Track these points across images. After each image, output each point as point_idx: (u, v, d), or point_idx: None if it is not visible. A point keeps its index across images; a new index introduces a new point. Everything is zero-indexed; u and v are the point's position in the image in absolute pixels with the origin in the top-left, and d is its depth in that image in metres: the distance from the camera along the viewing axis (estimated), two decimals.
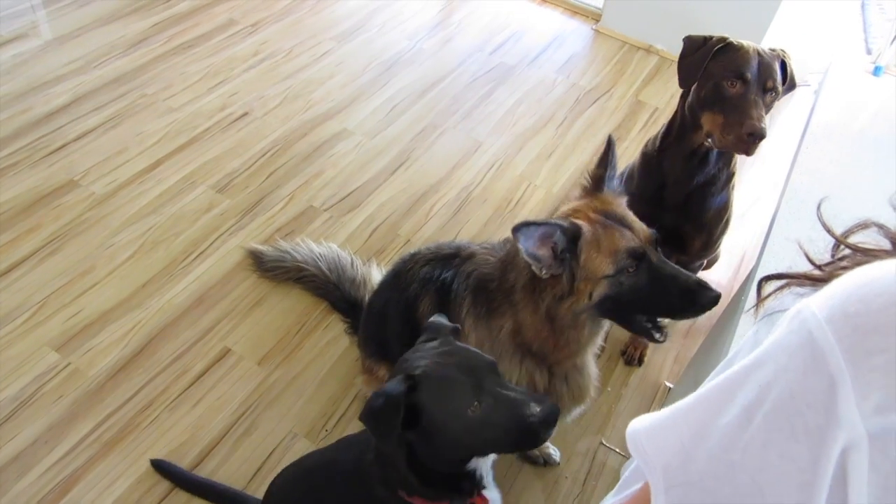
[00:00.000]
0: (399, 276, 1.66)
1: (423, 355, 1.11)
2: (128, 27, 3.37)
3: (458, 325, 1.21)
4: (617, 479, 1.91)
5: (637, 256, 1.21)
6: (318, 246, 2.24)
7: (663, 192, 1.87)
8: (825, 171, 1.38)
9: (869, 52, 4.14)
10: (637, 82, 3.48)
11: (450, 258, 1.54)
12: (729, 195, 1.88)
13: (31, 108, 2.85)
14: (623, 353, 2.25)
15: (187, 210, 2.52)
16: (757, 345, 0.71)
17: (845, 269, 0.59)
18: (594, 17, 3.92)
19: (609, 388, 2.14)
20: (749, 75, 1.60)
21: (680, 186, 1.83)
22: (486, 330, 1.42)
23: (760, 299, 0.73)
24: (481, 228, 2.60)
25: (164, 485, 1.79)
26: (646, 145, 1.93)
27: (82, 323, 2.12)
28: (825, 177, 1.37)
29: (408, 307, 1.57)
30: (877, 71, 3.72)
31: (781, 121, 3.35)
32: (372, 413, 1.04)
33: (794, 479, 0.49)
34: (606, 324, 1.41)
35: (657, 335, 1.31)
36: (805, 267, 1.10)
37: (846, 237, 0.68)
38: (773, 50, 1.69)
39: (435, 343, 1.15)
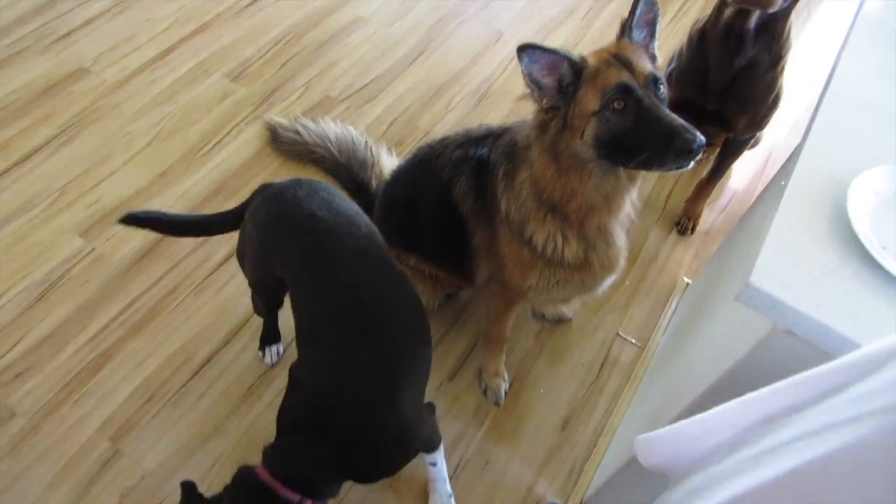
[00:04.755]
0: (427, 163, 1.64)
1: None
2: None
3: None
4: (631, 370, 1.96)
5: (624, 90, 1.20)
6: (336, 127, 2.21)
7: (706, 77, 1.87)
8: (876, 56, 1.32)
9: None
10: None
11: (483, 138, 1.54)
12: (777, 78, 1.87)
13: None
14: (677, 223, 2.34)
15: (202, 99, 2.47)
16: None
17: None
18: None
19: (628, 283, 2.16)
20: None
21: (722, 70, 1.84)
22: (512, 190, 1.43)
23: None
24: (502, 122, 2.53)
25: (194, 363, 1.86)
26: (694, 24, 1.92)
27: (104, 210, 2.12)
28: (874, 61, 1.31)
29: (442, 192, 1.57)
30: None
31: (824, 7, 3.20)
32: None
33: None
34: (627, 187, 1.37)
35: (687, 158, 1.21)
36: (848, 151, 1.07)
37: None
38: None
39: None
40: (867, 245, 0.95)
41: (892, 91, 1.25)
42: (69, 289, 1.95)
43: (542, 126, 1.30)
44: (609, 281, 1.56)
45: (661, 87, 1.25)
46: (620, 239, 1.50)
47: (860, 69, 1.29)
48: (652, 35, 1.31)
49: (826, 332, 0.90)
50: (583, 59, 1.23)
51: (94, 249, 2.03)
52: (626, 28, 1.28)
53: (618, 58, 1.23)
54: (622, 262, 1.53)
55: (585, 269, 1.49)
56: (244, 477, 1.18)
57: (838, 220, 1.00)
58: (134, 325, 1.90)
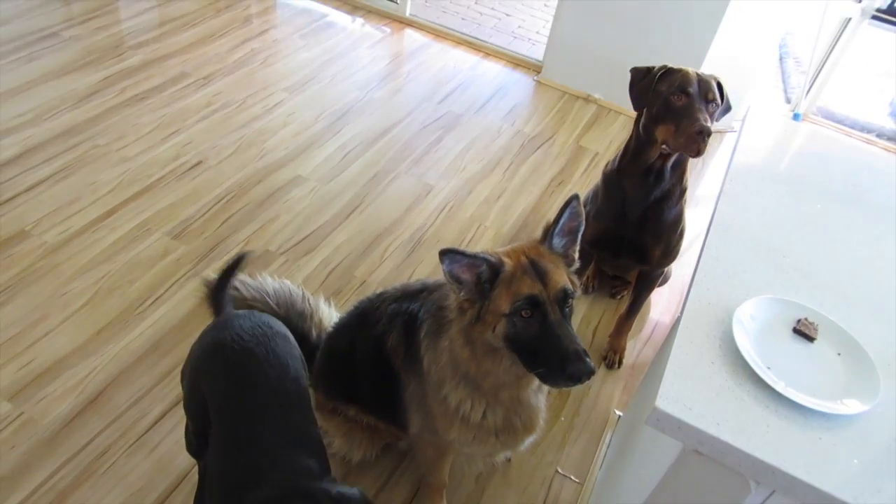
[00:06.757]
0: (365, 316, 1.71)
1: None
2: (78, 81, 3.40)
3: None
4: None
5: (532, 304, 1.28)
6: (273, 281, 2.28)
7: (624, 208, 2.06)
8: (747, 201, 1.52)
9: (788, 101, 4.48)
10: (578, 129, 3.67)
11: (417, 293, 1.61)
12: (682, 207, 2.09)
13: None
14: (604, 358, 2.45)
15: (142, 257, 2.53)
16: None
17: None
18: (535, 68, 4.14)
19: (562, 419, 2.22)
20: (691, 89, 1.87)
21: (639, 202, 2.05)
22: (434, 351, 1.49)
23: None
24: (435, 268, 2.68)
25: None
26: (606, 166, 2.16)
27: (35, 371, 2.09)
28: (748, 207, 1.50)
29: (376, 345, 1.63)
30: (796, 117, 4.03)
31: (713, 164, 3.58)
32: None
33: None
34: (534, 382, 1.47)
35: (576, 384, 1.31)
36: (730, 284, 1.22)
37: None
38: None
39: None
40: (753, 366, 1.07)
41: (762, 230, 1.43)
42: None
43: (461, 310, 1.37)
44: (530, 440, 1.61)
45: (571, 301, 1.33)
46: (538, 401, 1.57)
47: (736, 211, 1.48)
48: (574, 241, 1.39)
49: (727, 449, 0.99)
50: (500, 262, 1.30)
51: (22, 413, 1.98)
52: (549, 234, 1.36)
53: (534, 266, 1.30)
54: (541, 422, 1.60)
55: (506, 432, 1.54)
56: None
57: (727, 345, 1.12)
58: (61, 493, 1.82)
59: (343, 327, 1.86)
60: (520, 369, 1.38)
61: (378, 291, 1.76)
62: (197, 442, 1.64)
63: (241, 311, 1.49)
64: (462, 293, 1.32)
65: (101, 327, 2.26)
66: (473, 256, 1.28)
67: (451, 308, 1.41)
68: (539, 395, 1.56)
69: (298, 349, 1.48)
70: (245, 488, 1.22)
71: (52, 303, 2.31)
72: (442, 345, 1.47)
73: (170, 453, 1.94)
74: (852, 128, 4.24)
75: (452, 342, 1.42)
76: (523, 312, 1.28)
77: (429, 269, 2.67)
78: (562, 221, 1.36)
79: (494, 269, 1.30)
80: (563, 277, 1.32)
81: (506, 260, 1.31)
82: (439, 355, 1.48)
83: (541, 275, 1.30)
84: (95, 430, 1.97)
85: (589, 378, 1.26)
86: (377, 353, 1.64)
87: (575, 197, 1.36)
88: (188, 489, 1.86)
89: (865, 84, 5.00)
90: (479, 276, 1.30)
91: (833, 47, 3.87)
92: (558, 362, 1.26)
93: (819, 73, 3.97)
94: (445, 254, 1.26)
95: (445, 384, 1.48)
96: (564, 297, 1.30)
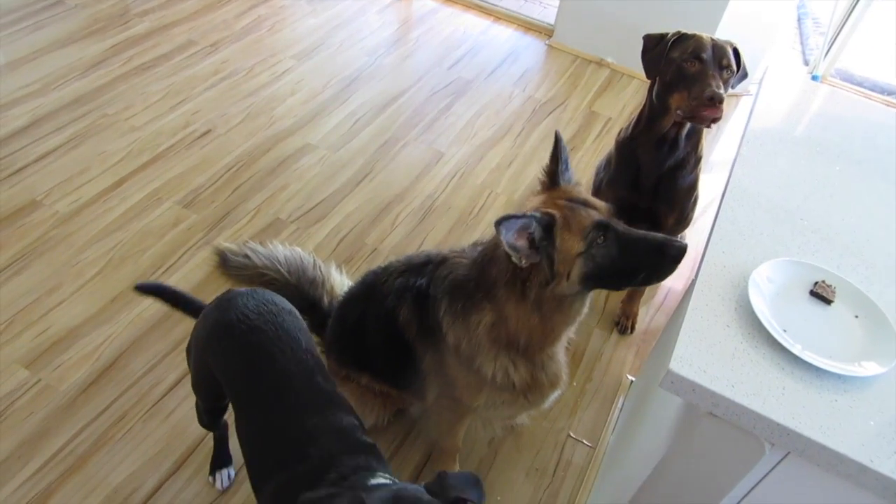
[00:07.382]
0: (373, 289, 1.71)
1: None
2: (85, 50, 3.38)
3: None
4: (584, 470, 1.99)
5: (602, 228, 1.29)
6: (284, 249, 2.27)
7: (638, 176, 2.03)
8: (764, 164, 1.49)
9: (806, 63, 4.39)
10: (590, 94, 3.62)
11: (422, 266, 1.60)
12: (697, 175, 2.06)
13: None
14: (617, 323, 2.45)
15: (154, 226, 2.54)
16: None
17: None
18: (547, 32, 4.06)
19: (574, 384, 2.22)
20: (705, 55, 1.82)
21: (652, 170, 2.02)
22: (464, 326, 1.47)
23: None
24: (446, 235, 2.67)
25: (142, 494, 1.80)
26: (619, 134, 2.13)
27: (51, 339, 2.11)
28: (764, 169, 1.47)
29: (387, 319, 1.63)
30: (814, 79, 3.95)
31: (729, 129, 3.52)
32: None
33: None
34: (587, 304, 1.48)
35: (679, 263, 1.31)
36: (746, 246, 1.20)
37: None
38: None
39: None
40: (769, 329, 1.05)
41: (779, 192, 1.41)
42: (11, 423, 1.90)
43: (514, 282, 1.35)
44: (555, 395, 1.62)
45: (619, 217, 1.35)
46: (562, 357, 1.57)
47: (752, 174, 1.46)
48: (566, 169, 1.41)
49: (742, 411, 0.98)
50: (547, 214, 1.28)
51: (39, 380, 2.01)
52: (557, 174, 1.37)
53: (572, 200, 1.31)
54: (565, 377, 1.60)
55: (533, 390, 1.54)
56: None
57: (743, 307, 1.11)
58: (80, 457, 1.85)
59: (353, 298, 1.86)
60: (576, 314, 1.42)
61: (384, 265, 1.75)
62: (208, 418, 1.66)
63: (242, 290, 1.47)
64: (523, 261, 1.29)
65: (115, 295, 2.28)
66: (523, 216, 1.25)
67: (496, 284, 1.39)
68: (563, 351, 1.57)
69: (304, 322, 1.48)
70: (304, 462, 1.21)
71: (65, 272, 2.33)
72: (475, 319, 1.45)
73: (185, 419, 1.97)
74: (871, 90, 4.15)
75: (510, 319, 1.39)
76: (598, 240, 1.28)
77: (440, 236, 2.66)
78: (564, 156, 1.38)
79: (545, 222, 1.27)
80: (596, 199, 1.36)
81: (551, 211, 1.29)
82: (472, 330, 1.46)
83: (584, 203, 1.32)
84: (112, 396, 2.00)
85: (685, 253, 1.29)
86: (389, 327, 1.63)
87: (557, 132, 1.41)
88: (204, 453, 1.89)
89: (885, 45, 4.88)
90: (532, 238, 1.28)
91: (853, 7, 3.77)
92: (656, 255, 1.29)
93: (838, 33, 3.88)
94: (501, 222, 1.21)
95: (479, 356, 1.47)
96: (618, 210, 1.35)
